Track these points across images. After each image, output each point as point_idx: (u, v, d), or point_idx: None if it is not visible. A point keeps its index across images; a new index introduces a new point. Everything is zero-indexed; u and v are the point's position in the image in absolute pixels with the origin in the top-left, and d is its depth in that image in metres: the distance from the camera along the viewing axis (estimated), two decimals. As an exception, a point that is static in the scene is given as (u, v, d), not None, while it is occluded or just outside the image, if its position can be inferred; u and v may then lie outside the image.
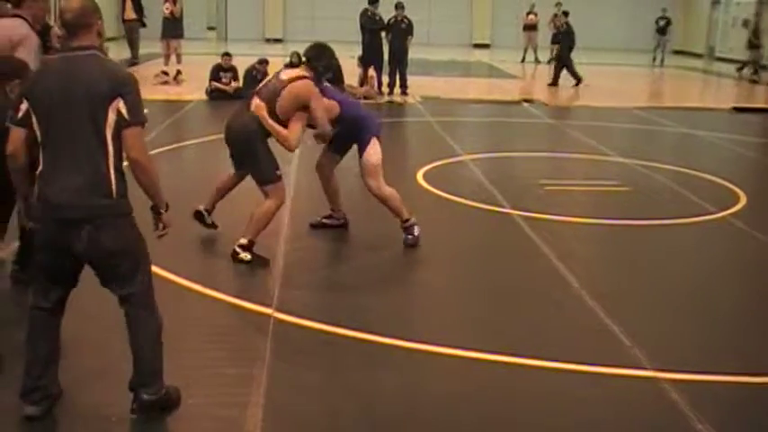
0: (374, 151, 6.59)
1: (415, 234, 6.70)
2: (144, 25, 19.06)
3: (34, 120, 3.66)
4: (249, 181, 6.45)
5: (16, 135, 3.74)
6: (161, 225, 3.91)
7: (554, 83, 19.70)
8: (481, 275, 6.40)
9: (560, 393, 4.40)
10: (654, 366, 4.63)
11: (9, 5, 5.63)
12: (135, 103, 3.65)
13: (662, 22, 27.42)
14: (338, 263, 6.43)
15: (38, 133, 3.67)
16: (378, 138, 6.67)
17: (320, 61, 6.34)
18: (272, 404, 4.07)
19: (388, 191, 6.71)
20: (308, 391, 4.28)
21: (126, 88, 3.64)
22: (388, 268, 6.41)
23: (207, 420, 3.96)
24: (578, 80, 19.65)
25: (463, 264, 6.67)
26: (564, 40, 20.17)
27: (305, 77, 6.21)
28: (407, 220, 6.71)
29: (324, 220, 7.09)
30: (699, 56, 31.33)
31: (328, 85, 6.56)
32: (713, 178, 9.76)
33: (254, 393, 4.16)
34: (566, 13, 21.16)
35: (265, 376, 4.35)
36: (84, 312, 4.45)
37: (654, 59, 27.18)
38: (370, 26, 16.55)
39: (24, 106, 3.68)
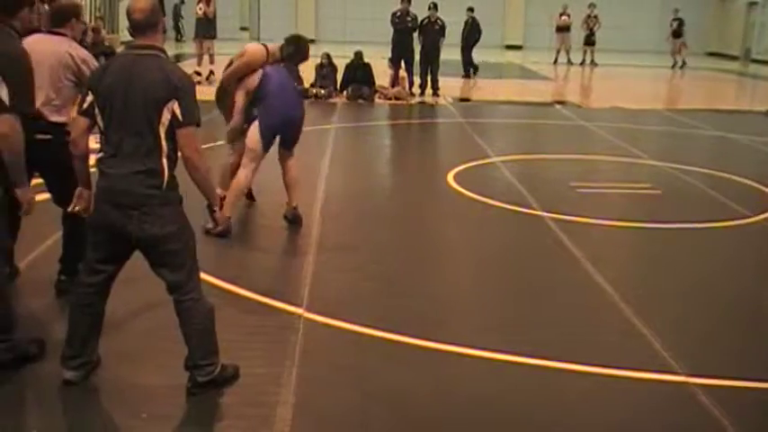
0: (250, 133, 6.88)
1: (210, 227, 6.18)
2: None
3: (97, 111, 3.89)
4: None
5: (80, 123, 3.98)
6: (214, 221, 4.22)
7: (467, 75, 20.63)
8: (511, 278, 6.38)
9: (590, 397, 4.38)
10: (686, 371, 4.58)
11: (46, 6, 5.65)
12: (189, 106, 3.86)
13: (675, 24, 26.44)
14: (368, 263, 6.43)
15: (100, 124, 3.90)
16: (268, 127, 6.82)
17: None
18: (301, 403, 4.09)
19: (242, 174, 6.82)
20: (338, 391, 4.29)
21: (182, 91, 3.83)
22: (418, 269, 6.40)
23: (236, 419, 3.98)
24: (467, 75, 20.54)
25: (493, 266, 6.64)
26: (470, 34, 20.36)
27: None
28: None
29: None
30: (734, 58, 30.95)
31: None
32: (747, 181, 9.65)
33: (284, 393, 4.18)
34: (471, 9, 20.62)
35: (295, 375, 4.37)
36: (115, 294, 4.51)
37: (673, 65, 26.58)
38: (401, 27, 16.57)
39: (90, 98, 3.91)
